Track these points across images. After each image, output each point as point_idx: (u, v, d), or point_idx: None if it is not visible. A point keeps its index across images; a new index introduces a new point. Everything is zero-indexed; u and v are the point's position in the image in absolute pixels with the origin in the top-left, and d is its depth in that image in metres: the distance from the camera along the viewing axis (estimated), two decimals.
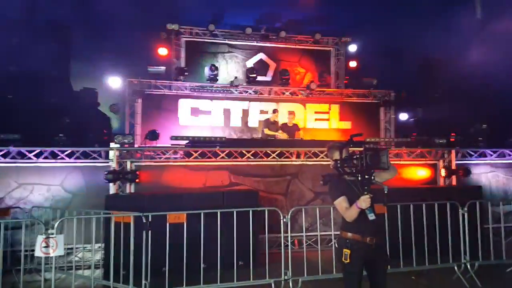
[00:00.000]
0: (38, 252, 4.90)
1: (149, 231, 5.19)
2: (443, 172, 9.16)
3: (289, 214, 5.68)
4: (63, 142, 8.16)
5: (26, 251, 6.84)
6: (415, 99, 13.21)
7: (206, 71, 11.94)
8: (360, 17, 13.59)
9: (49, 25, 10.42)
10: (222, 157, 8.66)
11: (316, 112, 12.37)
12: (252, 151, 8.75)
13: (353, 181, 3.86)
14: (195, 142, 8.58)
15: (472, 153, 9.53)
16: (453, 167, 9.24)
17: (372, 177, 3.65)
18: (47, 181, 7.99)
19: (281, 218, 5.64)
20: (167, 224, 5.34)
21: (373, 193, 3.66)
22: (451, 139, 9.50)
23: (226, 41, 13.18)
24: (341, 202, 3.79)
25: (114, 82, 11.04)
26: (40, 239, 4.92)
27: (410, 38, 13.23)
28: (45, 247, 4.90)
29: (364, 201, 3.58)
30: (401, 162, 9.33)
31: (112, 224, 5.57)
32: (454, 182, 9.21)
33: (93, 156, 8.22)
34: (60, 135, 8.01)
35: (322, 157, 9.03)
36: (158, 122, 11.19)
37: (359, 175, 3.68)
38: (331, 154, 4.07)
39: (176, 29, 12.51)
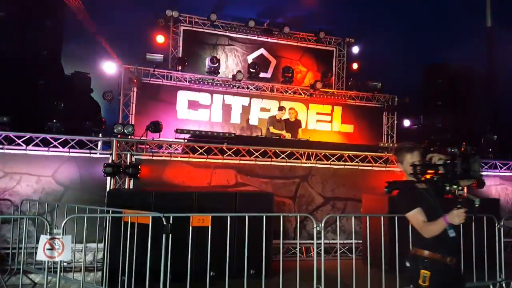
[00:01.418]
0: (41, 255, 4.19)
1: (170, 235, 4.55)
2: None
3: (323, 222, 5.15)
4: (57, 129, 7.35)
5: (14, 248, 6.10)
6: (418, 105, 13.01)
7: (207, 62, 11.29)
8: (364, 18, 13.27)
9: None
10: (229, 155, 8.09)
11: (318, 113, 11.95)
12: (262, 150, 8.21)
13: (426, 189, 3.37)
14: (202, 137, 7.96)
15: (483, 165, 9.35)
16: None
17: (460, 187, 3.17)
18: (37, 171, 7.18)
19: (314, 226, 5.11)
20: (190, 227, 4.73)
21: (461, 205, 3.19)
22: (462, 149, 9.26)
23: (227, 33, 12.56)
24: (416, 215, 3.22)
25: (109, 67, 10.23)
26: (43, 240, 4.21)
27: (414, 42, 13.03)
28: (49, 249, 4.20)
29: (458, 216, 3.05)
30: None
31: (122, 224, 4.91)
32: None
33: (89, 146, 7.47)
34: (53, 120, 7.19)
35: (334, 160, 8.61)
36: (155, 114, 10.45)
37: (448, 184, 3.18)
38: (401, 157, 3.52)
39: (175, 16, 11.80)
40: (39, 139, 7.16)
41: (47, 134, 7.22)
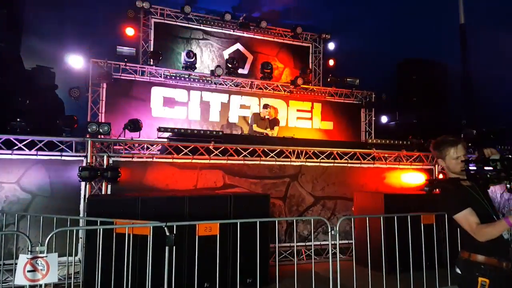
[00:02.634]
0: (21, 279, 3.47)
1: (173, 247, 3.95)
2: (441, 177, 8.81)
3: (338, 224, 4.74)
4: (21, 129, 6.46)
5: None
6: (394, 101, 12.98)
7: (183, 57, 10.62)
8: (340, 14, 13.09)
9: None
10: (216, 155, 7.52)
11: (298, 110, 11.58)
12: (250, 149, 7.71)
13: (471, 187, 3.01)
14: (187, 136, 7.33)
15: None
16: None
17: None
18: None
19: (329, 230, 4.67)
20: (196, 237, 4.14)
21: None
22: None
23: (201, 27, 11.92)
24: (467, 216, 2.85)
25: (76, 62, 9.30)
26: (23, 260, 3.49)
27: (390, 38, 13.00)
28: (31, 271, 3.49)
29: None
30: (401, 166, 8.87)
31: (114, 235, 4.24)
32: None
33: (60, 147, 6.63)
34: (17, 119, 6.30)
35: (323, 158, 8.25)
36: (127, 112, 9.66)
37: (508, 182, 2.83)
38: (444, 152, 3.11)
39: (146, 7, 11.03)
40: (1, 141, 6.25)
41: (10, 135, 6.32)
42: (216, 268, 4.25)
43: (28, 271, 3.48)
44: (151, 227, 4.00)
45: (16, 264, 4.91)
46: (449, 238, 5.22)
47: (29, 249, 3.51)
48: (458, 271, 3.01)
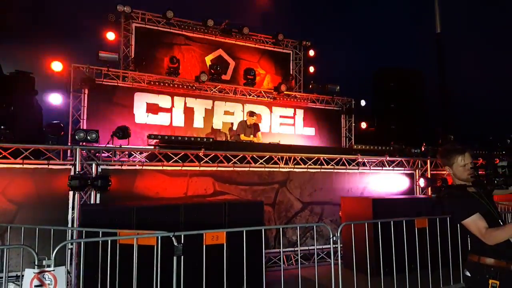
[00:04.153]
0: None
1: (182, 257, 3.92)
2: (422, 182, 9.11)
3: (339, 230, 4.82)
4: (5, 137, 6.22)
5: None
6: (373, 108, 13.32)
7: (166, 63, 10.52)
8: (320, 22, 13.34)
9: None
10: (205, 162, 7.49)
11: (281, 116, 11.69)
12: (240, 155, 7.72)
13: (477, 193, 3.16)
14: (177, 143, 7.26)
15: None
16: (428, 177, 9.28)
17: None
18: None
19: (331, 236, 4.75)
20: (204, 246, 4.12)
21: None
22: (422, 149, 9.55)
23: (183, 32, 11.84)
24: (476, 221, 2.95)
25: (56, 67, 9.03)
26: (30, 274, 3.37)
27: (369, 47, 13.36)
28: (38, 286, 3.37)
29: None
30: (384, 171, 9.12)
31: (117, 247, 4.16)
32: (430, 193, 9.24)
33: (47, 156, 6.43)
34: (1, 127, 6.06)
35: (310, 164, 8.38)
36: (109, 119, 9.47)
37: None
38: (451, 160, 3.24)
39: (127, 11, 10.85)
40: None
41: None
42: (223, 277, 4.23)
43: (36, 286, 3.36)
44: (159, 237, 3.95)
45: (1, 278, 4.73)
46: (442, 241, 5.41)
47: (36, 263, 3.39)
48: (468, 273, 3.12)
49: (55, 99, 8.96)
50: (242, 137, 9.31)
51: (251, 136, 9.59)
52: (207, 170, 7.50)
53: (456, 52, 12.55)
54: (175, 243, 3.89)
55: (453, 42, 12.66)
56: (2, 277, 4.44)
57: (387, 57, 13.76)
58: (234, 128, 10.31)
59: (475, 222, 2.96)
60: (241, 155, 7.73)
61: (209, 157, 7.47)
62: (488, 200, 3.10)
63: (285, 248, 7.92)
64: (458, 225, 3.20)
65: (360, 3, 13.37)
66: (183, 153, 7.24)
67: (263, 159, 7.95)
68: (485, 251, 2.99)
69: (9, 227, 5.13)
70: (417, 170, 9.45)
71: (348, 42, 14.05)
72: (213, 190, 7.55)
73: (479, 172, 3.13)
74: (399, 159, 9.26)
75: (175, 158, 7.23)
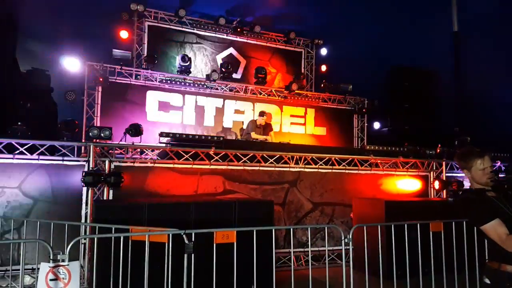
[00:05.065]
0: (43, 287, 3.43)
1: (192, 255, 3.97)
2: (436, 185, 8.99)
3: (351, 232, 4.82)
4: (22, 133, 6.35)
5: None
6: (386, 108, 13.23)
7: (178, 61, 10.61)
8: (332, 20, 13.27)
9: None
10: (216, 161, 7.54)
11: (292, 116, 11.71)
12: (250, 154, 7.76)
13: (496, 198, 3.11)
14: (188, 141, 7.33)
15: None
16: (443, 179, 9.16)
17: None
18: (0, 182, 6.14)
19: (342, 238, 4.76)
20: (214, 244, 4.17)
21: None
22: (438, 150, 9.45)
23: (195, 31, 11.92)
24: (496, 227, 2.87)
25: (72, 65, 9.17)
26: (45, 268, 3.46)
27: (382, 45, 13.25)
28: (53, 280, 3.46)
29: None
30: (397, 173, 9.05)
31: (129, 243, 4.23)
32: (444, 195, 9.15)
33: (62, 152, 6.55)
34: (18, 123, 6.19)
35: (321, 164, 8.37)
36: (122, 116, 9.60)
37: None
38: (470, 163, 3.16)
39: (140, 10, 10.96)
40: (2, 145, 6.13)
41: (12, 139, 6.20)
42: (233, 275, 4.28)
43: (51, 280, 3.45)
44: (170, 235, 4.01)
45: (18, 270, 4.84)
46: (457, 245, 5.36)
47: (51, 258, 3.47)
48: (487, 281, 3.01)
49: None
50: (253, 134, 9.36)
51: (264, 136, 9.62)
52: (217, 168, 7.55)
53: (473, 51, 12.35)
54: (186, 241, 3.94)
55: (470, 40, 12.46)
56: (18, 270, 4.55)
57: (402, 56, 13.60)
58: (244, 127, 10.37)
59: (494, 228, 2.88)
60: (251, 154, 7.76)
61: (219, 156, 7.52)
62: (509, 205, 3.04)
63: (295, 249, 7.92)
64: (475, 229, 3.16)
65: (373, 1, 13.21)
66: (193, 151, 7.30)
67: (273, 159, 7.98)
68: (505, 257, 2.91)
69: (25, 221, 5.23)
70: (431, 172, 9.33)
71: (361, 40, 13.94)
72: (223, 189, 7.59)
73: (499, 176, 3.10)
74: (413, 160, 9.16)
75: (186, 156, 7.29)
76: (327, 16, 13.23)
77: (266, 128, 9.91)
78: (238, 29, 12.08)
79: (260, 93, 11.36)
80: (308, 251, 7.71)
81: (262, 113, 9.71)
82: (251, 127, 9.56)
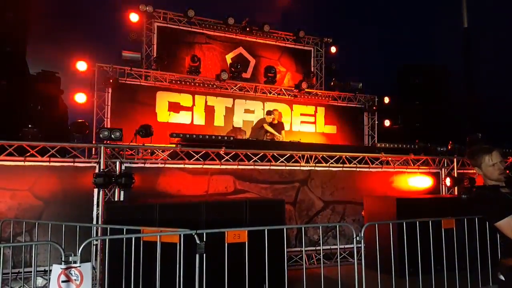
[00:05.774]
0: None
1: (204, 255, 3.94)
2: (448, 182, 8.88)
3: (362, 230, 4.75)
4: (33, 135, 6.39)
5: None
6: (397, 105, 13.10)
7: (187, 61, 10.61)
8: (342, 18, 13.17)
9: None
10: (226, 160, 7.51)
11: (302, 114, 11.64)
12: (261, 154, 7.71)
13: (510, 194, 3.04)
14: (198, 142, 7.32)
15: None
16: (455, 176, 9.04)
17: None
18: (11, 184, 6.20)
19: (354, 236, 4.69)
20: (226, 244, 4.13)
21: None
22: (449, 147, 9.31)
23: (204, 31, 11.90)
24: (511, 223, 2.79)
25: (81, 66, 9.23)
26: (57, 270, 3.45)
27: (393, 43, 13.11)
28: (65, 281, 3.45)
29: None
30: (408, 170, 8.94)
31: (141, 244, 4.21)
32: (456, 192, 9.02)
33: (72, 154, 6.57)
34: (29, 125, 6.23)
35: (332, 163, 8.29)
36: (132, 117, 9.61)
37: None
38: (479, 160, 3.13)
39: (149, 11, 10.98)
40: (13, 147, 6.17)
41: (23, 141, 6.24)
42: (245, 275, 4.24)
43: (63, 282, 3.44)
44: (181, 235, 3.98)
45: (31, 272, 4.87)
46: (469, 242, 5.27)
47: (63, 259, 3.47)
48: (502, 277, 2.97)
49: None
50: (266, 126, 9.35)
51: (277, 134, 9.59)
52: (227, 168, 7.52)
53: (484, 47, 12.17)
54: (198, 241, 3.91)
55: (481, 37, 12.28)
56: (31, 272, 4.58)
57: (412, 54, 13.49)
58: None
59: (510, 224, 2.82)
60: (262, 153, 7.71)
61: (229, 155, 7.49)
62: None
63: (307, 247, 7.86)
64: (488, 226, 3.10)
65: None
66: (204, 152, 7.28)
67: (284, 158, 7.92)
68: None
69: (37, 223, 5.26)
70: (443, 169, 9.21)
71: (371, 38, 13.85)
72: (234, 188, 7.56)
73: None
74: (425, 157, 9.05)
75: (196, 156, 7.27)
76: (337, 15, 13.12)
77: (278, 126, 9.88)
78: (247, 29, 12.04)
79: (270, 92, 11.31)
80: (320, 250, 7.68)
81: (270, 112, 9.69)
82: (261, 124, 9.54)
